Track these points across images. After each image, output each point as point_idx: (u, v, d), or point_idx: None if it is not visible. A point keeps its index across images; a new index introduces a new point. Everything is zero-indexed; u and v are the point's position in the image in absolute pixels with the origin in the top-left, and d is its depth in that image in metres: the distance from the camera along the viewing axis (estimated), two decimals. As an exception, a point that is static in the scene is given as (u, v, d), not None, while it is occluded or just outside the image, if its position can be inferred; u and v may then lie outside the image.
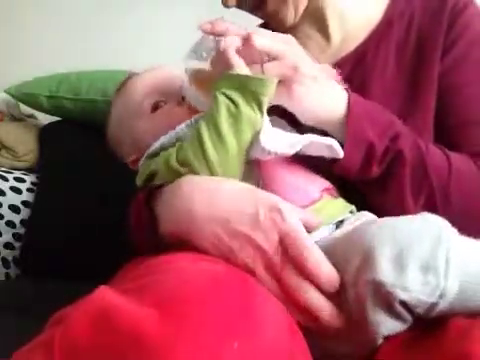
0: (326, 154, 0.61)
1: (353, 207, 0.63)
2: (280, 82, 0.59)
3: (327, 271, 0.50)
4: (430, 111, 0.71)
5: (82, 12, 1.57)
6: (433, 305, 0.46)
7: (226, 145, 0.57)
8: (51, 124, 1.37)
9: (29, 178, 1.27)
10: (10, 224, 1.19)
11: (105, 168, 0.95)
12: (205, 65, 0.63)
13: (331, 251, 0.52)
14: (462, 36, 0.73)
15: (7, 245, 1.18)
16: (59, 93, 1.29)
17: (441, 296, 0.45)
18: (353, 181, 0.65)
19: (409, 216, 0.51)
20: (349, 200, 0.64)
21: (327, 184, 0.64)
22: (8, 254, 1.18)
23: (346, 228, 0.58)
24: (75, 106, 1.29)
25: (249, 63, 0.59)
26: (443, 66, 0.72)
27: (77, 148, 1.26)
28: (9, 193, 1.20)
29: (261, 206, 0.53)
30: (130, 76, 0.77)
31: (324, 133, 0.64)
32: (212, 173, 0.58)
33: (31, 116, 1.44)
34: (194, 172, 0.58)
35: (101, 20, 1.54)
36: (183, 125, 0.64)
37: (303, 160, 0.63)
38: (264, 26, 0.83)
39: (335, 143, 0.60)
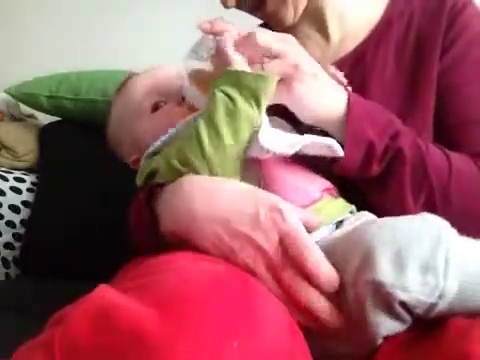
0: (326, 154, 0.61)
1: (353, 207, 0.63)
2: (281, 80, 0.59)
3: (327, 271, 0.50)
4: (429, 111, 0.72)
5: (82, 12, 1.57)
6: (432, 305, 0.46)
7: (224, 142, 0.57)
8: (51, 124, 1.37)
9: (29, 178, 1.27)
10: (10, 224, 1.19)
11: (105, 168, 0.95)
12: (205, 65, 0.64)
13: (331, 251, 0.52)
14: (461, 36, 0.73)
15: (7, 245, 1.18)
16: (59, 93, 1.29)
17: (440, 296, 0.45)
18: (353, 180, 0.65)
19: (409, 216, 0.51)
20: (349, 200, 0.64)
21: (327, 184, 0.64)
22: (8, 254, 1.18)
23: (346, 228, 0.58)
24: (75, 106, 1.29)
25: (250, 62, 0.59)
26: (442, 66, 0.72)
27: (77, 148, 1.26)
28: (9, 193, 1.20)
29: (261, 206, 0.53)
30: (130, 76, 0.78)
31: (324, 132, 0.64)
32: (211, 171, 0.58)
33: (31, 116, 1.44)
34: (194, 170, 0.58)
35: (101, 20, 1.54)
36: (182, 122, 0.64)
37: (303, 160, 0.63)
38: (264, 26, 0.84)
39: (335, 143, 0.60)
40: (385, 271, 0.46)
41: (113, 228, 0.72)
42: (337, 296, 0.50)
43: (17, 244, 1.19)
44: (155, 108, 0.72)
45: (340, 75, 0.68)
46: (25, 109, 1.41)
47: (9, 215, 1.19)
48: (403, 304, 0.46)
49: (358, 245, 0.50)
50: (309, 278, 0.50)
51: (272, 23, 0.76)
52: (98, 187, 1.13)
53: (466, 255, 0.47)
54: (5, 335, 0.67)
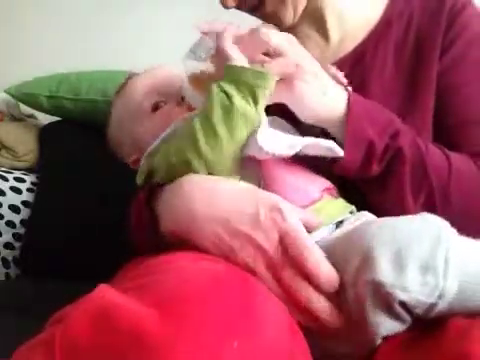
0: (326, 154, 0.61)
1: (353, 207, 0.63)
2: (282, 79, 0.59)
3: (326, 271, 0.50)
4: (429, 111, 0.72)
5: (82, 12, 1.57)
6: (432, 305, 0.46)
7: (220, 140, 0.57)
8: (51, 124, 1.37)
9: (29, 178, 1.27)
10: (10, 224, 1.19)
11: (105, 168, 0.95)
12: (204, 65, 0.64)
13: (331, 251, 0.52)
14: (460, 36, 0.73)
15: (7, 245, 1.18)
16: (59, 93, 1.29)
17: (440, 296, 0.45)
18: (353, 180, 0.65)
19: (409, 216, 0.51)
20: (349, 200, 0.64)
21: (327, 184, 0.64)
22: (8, 254, 1.18)
23: (346, 228, 0.58)
24: (75, 106, 1.29)
25: (250, 61, 0.59)
26: (441, 66, 0.72)
27: (77, 148, 1.26)
28: (9, 193, 1.20)
29: (261, 206, 0.53)
30: (130, 76, 0.78)
31: (324, 132, 0.64)
32: (208, 169, 0.58)
33: (31, 116, 1.44)
34: (191, 169, 0.58)
35: (101, 20, 1.54)
36: (181, 120, 0.64)
37: (303, 160, 0.63)
38: (264, 26, 0.84)
39: (335, 145, 0.60)
40: (385, 271, 0.46)
41: (113, 228, 0.72)
42: (337, 296, 0.50)
43: (17, 244, 1.18)
44: (155, 108, 0.72)
45: (340, 75, 0.68)
46: (25, 109, 1.40)
47: (9, 215, 1.19)
48: (403, 304, 0.46)
49: (358, 245, 0.50)
50: (309, 278, 0.50)
51: (271, 23, 0.76)
52: (98, 187, 1.13)
53: (466, 255, 0.47)
54: (5, 335, 0.67)
